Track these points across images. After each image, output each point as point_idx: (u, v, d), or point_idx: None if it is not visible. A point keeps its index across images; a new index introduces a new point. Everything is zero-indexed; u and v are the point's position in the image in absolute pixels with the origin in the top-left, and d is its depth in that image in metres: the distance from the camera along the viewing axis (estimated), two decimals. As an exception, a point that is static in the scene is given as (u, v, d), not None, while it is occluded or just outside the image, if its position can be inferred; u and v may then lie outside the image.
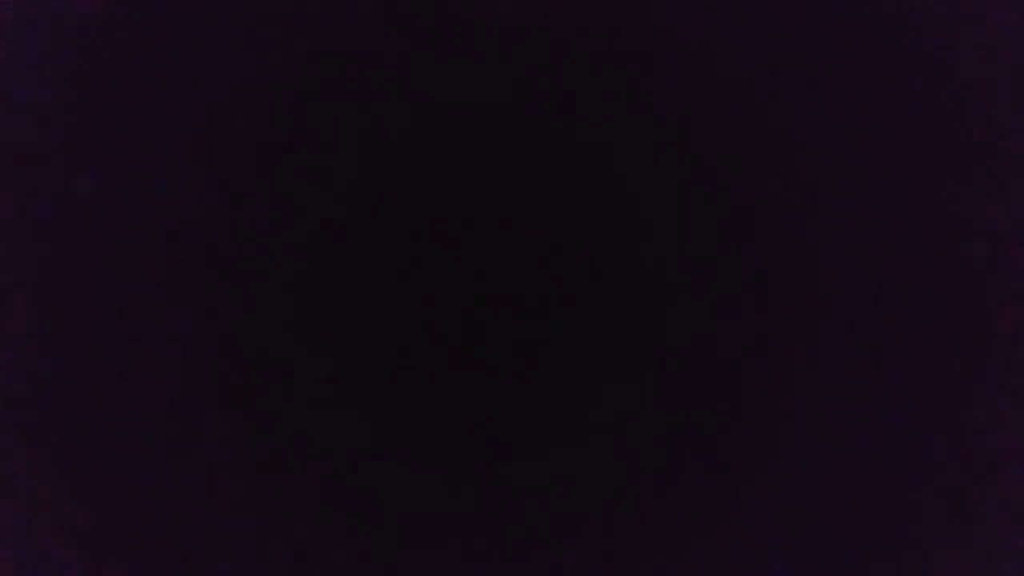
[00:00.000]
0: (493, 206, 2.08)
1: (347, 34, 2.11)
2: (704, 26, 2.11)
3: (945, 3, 2.11)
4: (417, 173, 2.10)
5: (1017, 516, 2.06)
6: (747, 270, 2.08)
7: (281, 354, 2.08)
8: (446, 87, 2.11)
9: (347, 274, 2.08)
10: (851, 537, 2.07)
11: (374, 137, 2.09)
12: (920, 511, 2.07)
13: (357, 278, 2.08)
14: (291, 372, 2.08)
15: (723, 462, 2.06)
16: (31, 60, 2.11)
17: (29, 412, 2.08)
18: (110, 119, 2.11)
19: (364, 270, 2.08)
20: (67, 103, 2.11)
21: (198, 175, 2.10)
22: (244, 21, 2.11)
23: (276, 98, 2.11)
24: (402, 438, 2.08)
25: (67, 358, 2.08)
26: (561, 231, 2.09)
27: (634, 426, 2.07)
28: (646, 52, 2.10)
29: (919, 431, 2.08)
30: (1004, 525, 2.06)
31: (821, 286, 2.09)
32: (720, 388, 2.07)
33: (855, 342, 2.08)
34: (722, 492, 2.06)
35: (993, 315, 2.09)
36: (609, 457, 2.07)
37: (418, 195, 2.08)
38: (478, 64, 2.10)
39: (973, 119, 2.11)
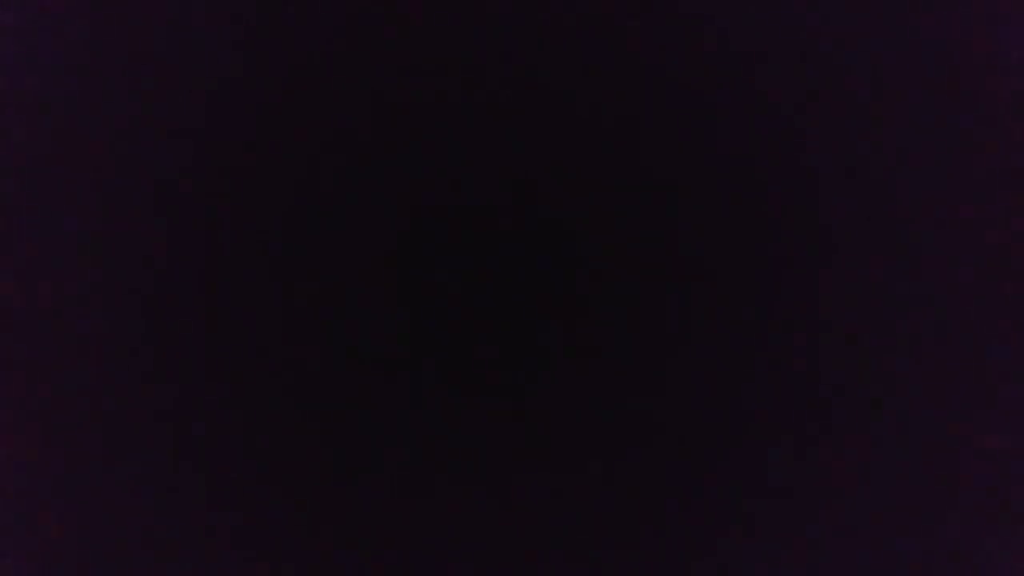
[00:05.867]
0: (489, 206, 2.08)
1: (346, 30, 2.11)
2: (708, 24, 2.11)
3: (948, 4, 2.11)
4: (422, 173, 2.10)
5: (1017, 516, 2.07)
6: (750, 271, 2.09)
7: (281, 354, 2.08)
8: (446, 84, 2.11)
9: (349, 275, 2.08)
10: (856, 539, 2.07)
11: (376, 135, 2.09)
12: (924, 512, 2.07)
13: (359, 279, 2.08)
14: (290, 373, 2.08)
15: (727, 464, 2.07)
16: (29, 59, 2.11)
17: (27, 412, 2.08)
18: (105, 117, 2.11)
19: (366, 271, 2.08)
20: (63, 101, 2.11)
21: (196, 175, 2.10)
22: (240, 19, 2.11)
23: (275, 98, 2.10)
24: (403, 440, 2.08)
25: (64, 358, 2.08)
26: (559, 231, 2.09)
27: (637, 428, 2.07)
28: (647, 50, 2.10)
29: (925, 433, 2.08)
30: (1005, 525, 2.07)
31: (825, 288, 2.09)
32: (722, 390, 2.08)
33: (860, 345, 2.08)
34: (727, 495, 2.07)
35: (995, 316, 2.09)
36: (613, 461, 2.07)
37: (423, 195, 2.08)
38: (480, 60, 2.10)
39: (976, 119, 2.11)
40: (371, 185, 2.09)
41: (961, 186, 2.11)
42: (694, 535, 2.06)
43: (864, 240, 2.09)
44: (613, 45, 2.11)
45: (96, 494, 2.07)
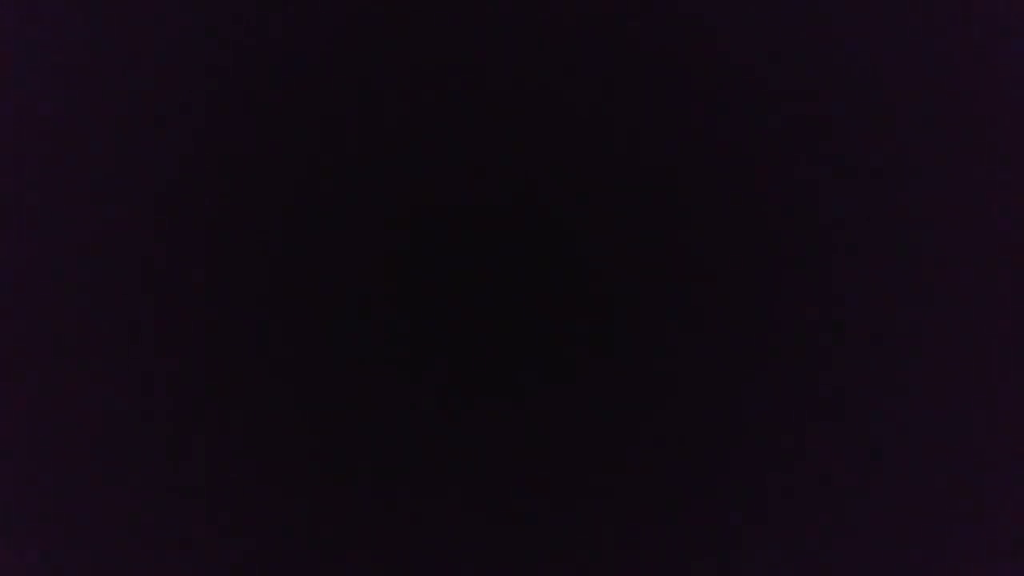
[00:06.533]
0: (489, 206, 2.08)
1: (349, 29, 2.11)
2: (712, 24, 2.11)
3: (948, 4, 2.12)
4: (422, 174, 2.10)
5: (1017, 516, 2.07)
6: (752, 272, 2.09)
7: (281, 354, 2.08)
8: (446, 84, 2.11)
9: (349, 275, 2.08)
10: (856, 539, 2.07)
11: (377, 135, 2.09)
12: (926, 513, 2.07)
13: (359, 279, 2.08)
14: (290, 373, 2.08)
15: (728, 465, 2.07)
16: (29, 59, 2.11)
17: (27, 412, 2.08)
18: (105, 118, 2.11)
19: (366, 271, 2.08)
20: (61, 101, 2.11)
21: (197, 175, 2.10)
22: (240, 19, 2.11)
23: (275, 98, 2.10)
24: (403, 440, 2.08)
25: (61, 357, 2.08)
26: (559, 232, 2.09)
27: (637, 429, 2.08)
28: (650, 50, 2.11)
29: (927, 433, 2.08)
30: (1005, 525, 2.07)
31: (824, 288, 2.09)
32: (724, 391, 2.08)
33: (860, 345, 2.08)
34: (727, 495, 2.07)
35: (995, 316, 2.09)
36: (613, 461, 2.07)
37: (422, 195, 2.08)
38: (480, 60, 2.10)
39: (978, 119, 2.11)
40: (371, 185, 2.09)
41: (961, 186, 2.11)
42: (694, 535, 2.06)
43: (864, 240, 2.10)
44: (613, 45, 2.11)
45: (96, 494, 2.07)
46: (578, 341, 2.08)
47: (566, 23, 2.11)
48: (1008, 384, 2.08)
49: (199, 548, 2.06)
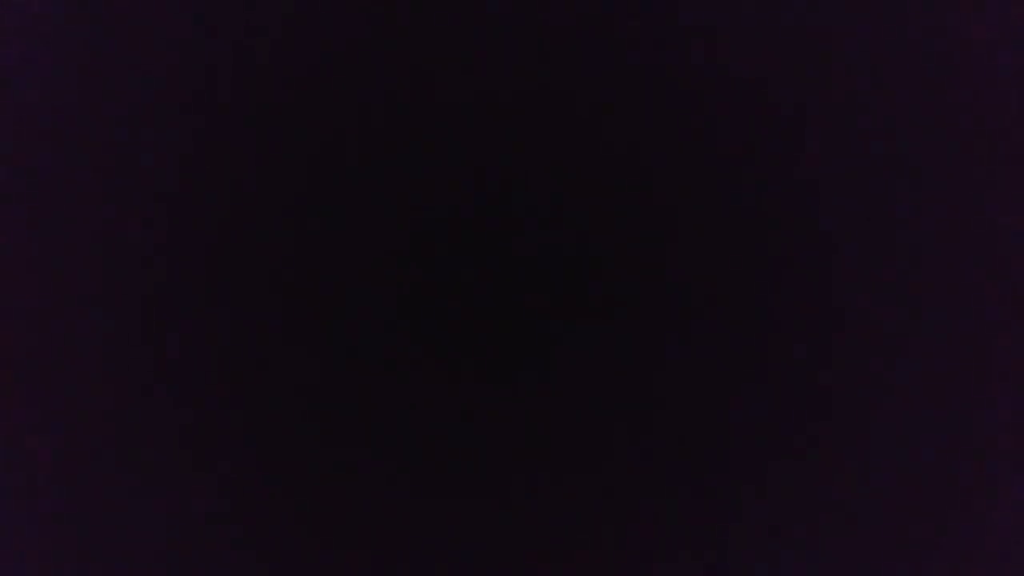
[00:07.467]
0: (489, 207, 2.08)
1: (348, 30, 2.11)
2: (711, 24, 2.11)
3: (947, 3, 2.12)
4: (422, 174, 2.10)
5: (1018, 516, 2.07)
6: (752, 271, 2.09)
7: (282, 355, 2.08)
8: (446, 85, 2.11)
9: (349, 276, 2.08)
10: (854, 539, 2.07)
11: (377, 135, 2.09)
12: (925, 512, 2.07)
13: (358, 279, 2.08)
14: (291, 373, 2.08)
15: (727, 464, 2.07)
16: (29, 60, 2.11)
17: (27, 412, 2.08)
18: (105, 117, 2.11)
19: (366, 271, 2.08)
20: (63, 101, 2.11)
21: (197, 176, 2.10)
22: (241, 19, 2.11)
23: (275, 98, 2.10)
24: (403, 440, 2.08)
25: (62, 357, 2.08)
26: (559, 232, 2.09)
27: (637, 429, 2.07)
28: (649, 50, 2.10)
29: (925, 432, 2.08)
30: (1005, 525, 2.07)
31: (824, 288, 2.09)
32: (723, 390, 2.08)
33: (861, 344, 2.08)
34: (726, 494, 2.07)
35: (996, 316, 2.09)
36: (612, 461, 2.07)
37: (422, 195, 2.08)
38: (480, 60, 2.10)
39: (978, 119, 2.11)
40: (371, 185, 2.09)
41: (961, 186, 2.11)
42: (693, 535, 2.06)
43: (864, 241, 2.09)
44: (613, 45, 2.11)
45: (96, 494, 2.07)
46: (577, 341, 2.08)
47: (566, 23, 2.11)
48: (1008, 384, 2.08)
49: (199, 548, 2.06)
